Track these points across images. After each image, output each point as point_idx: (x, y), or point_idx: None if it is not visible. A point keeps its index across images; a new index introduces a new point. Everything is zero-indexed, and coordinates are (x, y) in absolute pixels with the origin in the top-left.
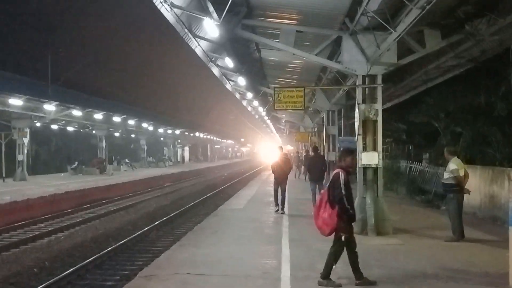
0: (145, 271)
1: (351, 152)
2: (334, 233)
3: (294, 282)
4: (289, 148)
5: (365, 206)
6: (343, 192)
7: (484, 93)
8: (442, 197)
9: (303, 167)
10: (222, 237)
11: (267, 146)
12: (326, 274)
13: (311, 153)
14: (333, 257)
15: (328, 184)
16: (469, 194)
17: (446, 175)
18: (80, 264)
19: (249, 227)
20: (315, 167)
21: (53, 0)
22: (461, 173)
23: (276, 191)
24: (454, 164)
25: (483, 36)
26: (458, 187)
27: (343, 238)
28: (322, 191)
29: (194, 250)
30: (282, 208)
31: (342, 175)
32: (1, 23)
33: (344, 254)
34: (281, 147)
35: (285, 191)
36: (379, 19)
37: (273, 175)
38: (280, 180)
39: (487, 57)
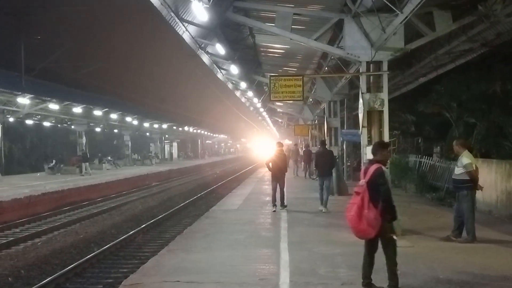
0: (130, 279)
1: (387, 145)
2: (379, 237)
3: None
4: (287, 142)
5: None
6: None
7: (499, 80)
8: (454, 195)
9: (302, 163)
10: (214, 241)
11: (263, 140)
12: (395, 284)
13: (311, 147)
14: (394, 261)
15: (369, 178)
16: (482, 190)
17: (458, 170)
18: (59, 272)
19: (244, 229)
20: (323, 162)
21: None
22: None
23: (274, 190)
24: (467, 158)
25: (498, 17)
26: (472, 183)
27: (394, 237)
28: (356, 188)
29: (184, 255)
30: (282, 204)
31: (385, 170)
32: None
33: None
34: (280, 143)
35: (283, 188)
36: (384, 0)
37: (268, 172)
38: (277, 178)
39: (503, 41)
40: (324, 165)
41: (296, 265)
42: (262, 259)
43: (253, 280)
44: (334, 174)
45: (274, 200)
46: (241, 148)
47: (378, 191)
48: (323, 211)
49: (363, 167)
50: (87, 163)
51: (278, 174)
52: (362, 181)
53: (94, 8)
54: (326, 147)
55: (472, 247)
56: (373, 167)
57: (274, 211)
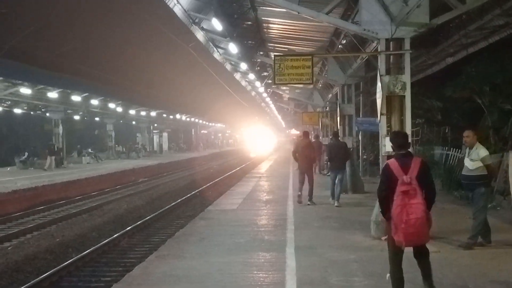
0: None
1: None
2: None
3: None
4: (294, 132)
5: None
6: None
7: None
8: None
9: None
10: (211, 245)
11: (267, 130)
12: None
13: (322, 138)
14: (431, 269)
15: (417, 172)
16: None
17: (473, 165)
18: (32, 282)
19: (245, 232)
20: (336, 155)
21: None
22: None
23: (301, 183)
24: (484, 150)
25: None
26: (489, 178)
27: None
28: (403, 187)
29: (176, 262)
30: (310, 199)
31: None
32: None
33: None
34: (306, 132)
35: (312, 181)
36: None
37: (270, 168)
38: (305, 170)
39: None
40: (337, 158)
41: (304, 273)
42: (265, 266)
43: None
44: (348, 169)
45: (301, 194)
46: (241, 139)
47: (431, 187)
48: (335, 205)
49: (396, 161)
50: (53, 157)
51: (306, 165)
52: (407, 178)
53: None
54: (339, 138)
55: (506, 252)
56: (418, 161)
57: (302, 204)
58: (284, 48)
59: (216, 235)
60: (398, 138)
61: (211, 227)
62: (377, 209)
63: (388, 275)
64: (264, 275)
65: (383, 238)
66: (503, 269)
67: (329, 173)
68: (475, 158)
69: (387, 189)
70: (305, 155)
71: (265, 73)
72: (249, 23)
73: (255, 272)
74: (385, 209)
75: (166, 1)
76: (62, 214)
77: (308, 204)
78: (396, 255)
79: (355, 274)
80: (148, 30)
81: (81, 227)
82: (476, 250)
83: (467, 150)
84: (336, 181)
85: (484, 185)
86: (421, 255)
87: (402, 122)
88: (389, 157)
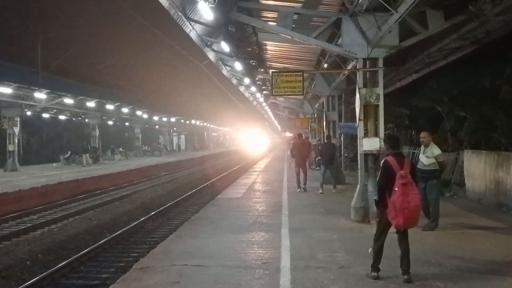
0: (140, 263)
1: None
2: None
3: (294, 272)
4: (288, 135)
5: (367, 193)
6: None
7: (489, 76)
8: (445, 184)
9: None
10: (219, 227)
11: (265, 133)
12: (407, 268)
13: (311, 139)
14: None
15: (409, 169)
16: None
17: (428, 161)
18: (74, 257)
19: (248, 216)
20: (326, 152)
21: None
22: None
23: (298, 174)
24: (438, 149)
25: (488, 16)
26: (440, 172)
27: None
28: (402, 180)
29: (191, 240)
30: (304, 185)
31: None
32: None
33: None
34: (300, 134)
35: (306, 172)
36: (380, 0)
37: (268, 164)
38: (300, 164)
39: (492, 39)
40: (327, 153)
41: (296, 250)
42: (264, 244)
43: (256, 264)
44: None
45: (298, 183)
46: (244, 140)
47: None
48: (320, 192)
49: (393, 157)
50: (87, 155)
51: (301, 160)
52: (404, 172)
53: (105, 9)
54: (331, 140)
55: (462, 233)
56: (408, 160)
57: (299, 191)
58: (280, 66)
59: (224, 218)
60: (391, 140)
61: (220, 212)
62: (356, 196)
63: (370, 249)
64: (263, 251)
65: (375, 220)
66: (459, 247)
67: (317, 168)
68: (429, 156)
69: (387, 181)
70: (301, 153)
71: (264, 87)
72: (252, 45)
73: (256, 249)
74: (382, 198)
75: (184, 28)
76: (98, 201)
77: (299, 191)
78: (383, 235)
79: (338, 251)
80: (169, 51)
81: (114, 212)
82: (437, 232)
83: (423, 148)
84: (325, 174)
85: (436, 177)
86: (404, 235)
87: (376, 127)
88: (366, 155)
